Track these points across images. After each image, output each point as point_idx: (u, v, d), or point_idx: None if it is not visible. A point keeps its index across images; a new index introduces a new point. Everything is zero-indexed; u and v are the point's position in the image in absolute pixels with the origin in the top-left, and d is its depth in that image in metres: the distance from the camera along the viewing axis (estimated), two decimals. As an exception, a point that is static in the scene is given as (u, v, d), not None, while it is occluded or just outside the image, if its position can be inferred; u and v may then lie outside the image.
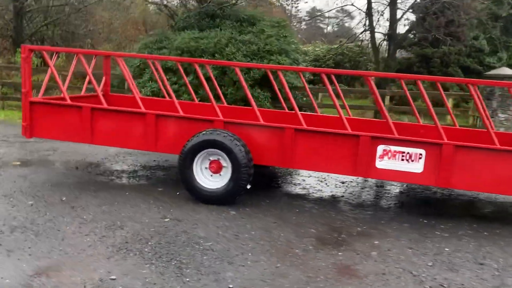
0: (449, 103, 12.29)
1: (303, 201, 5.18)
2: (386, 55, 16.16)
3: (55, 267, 3.24)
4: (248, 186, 4.80)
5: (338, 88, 6.42)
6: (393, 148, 4.66)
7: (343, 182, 6.14)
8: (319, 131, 4.81)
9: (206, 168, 4.89)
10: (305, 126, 4.81)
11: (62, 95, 5.98)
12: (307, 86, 6.03)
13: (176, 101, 5.20)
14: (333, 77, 5.64)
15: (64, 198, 4.74)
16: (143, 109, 5.19)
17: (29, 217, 4.17)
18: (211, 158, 4.85)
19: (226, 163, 4.81)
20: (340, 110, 4.94)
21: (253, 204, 4.90)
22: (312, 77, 15.55)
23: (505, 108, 10.64)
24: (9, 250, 3.49)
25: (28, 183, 5.24)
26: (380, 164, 4.69)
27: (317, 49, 22.70)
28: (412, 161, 4.61)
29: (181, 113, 5.09)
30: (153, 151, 5.28)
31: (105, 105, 5.31)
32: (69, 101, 5.37)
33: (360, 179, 6.28)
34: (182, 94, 9.95)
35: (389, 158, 4.67)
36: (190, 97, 9.44)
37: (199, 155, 4.81)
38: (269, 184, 5.88)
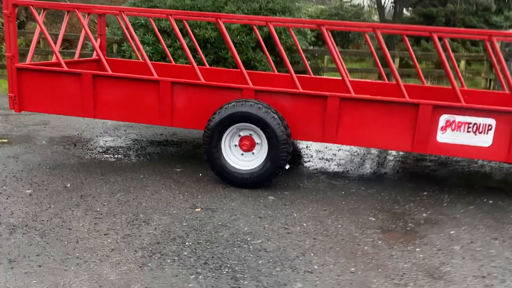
0: (461, 65, 11.70)
1: (345, 180, 4.51)
2: (392, 16, 15.29)
3: (77, 284, 2.51)
4: (287, 166, 4.10)
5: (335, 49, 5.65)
6: (458, 118, 3.97)
7: (378, 156, 5.49)
8: (370, 99, 4.08)
9: (235, 145, 4.15)
10: (353, 94, 4.07)
11: (54, 60, 5.09)
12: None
13: (195, 66, 4.38)
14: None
15: (68, 185, 3.96)
16: (155, 76, 4.36)
17: (30, 211, 3.40)
18: (242, 134, 4.10)
19: (260, 139, 4.07)
20: (397, 75, 4.17)
21: (290, 187, 4.22)
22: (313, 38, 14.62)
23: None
24: (11, 259, 2.74)
25: (22, 166, 4.42)
26: (442, 137, 4.02)
27: (309, 9, 21.60)
28: (480, 133, 3.95)
29: (203, 81, 4.29)
30: (169, 126, 4.50)
31: (109, 72, 4.45)
32: (65, 67, 4.49)
33: (400, 153, 5.64)
34: (178, 59, 9.05)
35: (452, 130, 4.00)
36: (187, 61, 8.62)
37: (228, 130, 4.05)
38: (297, 161, 5.18)
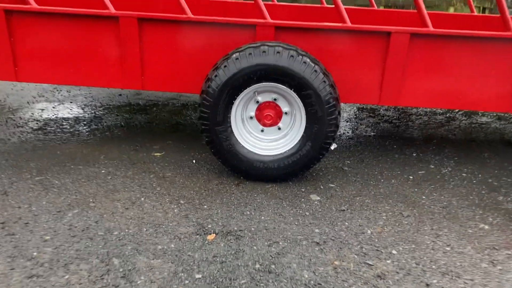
0: (453, -8, 10.38)
1: (408, 156, 3.17)
2: None
3: None
4: (333, 146, 2.68)
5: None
6: None
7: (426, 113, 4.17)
8: (460, 35, 2.65)
9: (251, 118, 2.65)
10: (430, 29, 2.62)
11: None
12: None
13: (175, -10, 2.72)
14: None
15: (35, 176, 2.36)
16: (111, 9, 2.69)
17: None
18: (261, 100, 2.60)
19: (290, 106, 2.59)
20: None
21: (329, 172, 2.83)
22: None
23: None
24: None
25: None
26: (557, 89, 2.72)
27: None
28: None
29: (190, 14, 2.67)
30: (139, 89, 2.91)
31: (34, 5, 2.72)
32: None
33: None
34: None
35: None
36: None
37: (241, 96, 2.52)
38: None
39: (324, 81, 2.43)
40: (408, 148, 3.30)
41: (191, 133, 3.46)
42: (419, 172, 2.90)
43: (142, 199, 2.42)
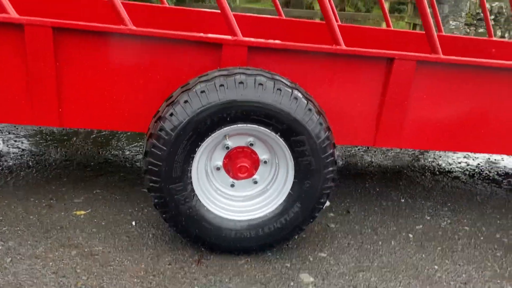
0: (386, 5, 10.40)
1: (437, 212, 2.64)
2: None
3: None
4: (328, 203, 2.06)
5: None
6: None
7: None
8: (470, 64, 2.16)
9: (218, 169, 1.95)
10: (440, 56, 2.10)
11: None
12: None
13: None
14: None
15: None
16: (13, 14, 1.85)
17: None
18: (232, 145, 1.91)
19: (270, 154, 1.94)
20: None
21: (314, 240, 2.21)
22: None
23: (457, 15, 9.06)
24: None
25: None
26: None
27: None
28: None
29: (130, 25, 1.90)
30: (55, 126, 2.07)
31: None
32: None
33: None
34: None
35: None
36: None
37: (208, 140, 1.81)
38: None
39: (320, 123, 1.80)
40: (394, 191, 2.79)
41: (125, 176, 2.66)
42: (417, 227, 2.38)
43: (61, 298, 1.61)
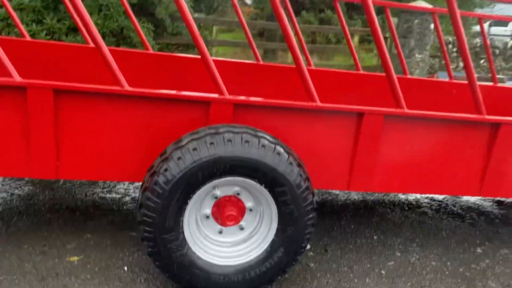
0: (354, 41, 10.90)
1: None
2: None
3: None
4: (308, 246, 2.24)
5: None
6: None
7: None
8: (434, 117, 2.43)
9: (207, 217, 2.11)
10: (405, 110, 2.35)
11: None
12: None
13: (106, 50, 2.08)
14: None
15: None
16: (17, 77, 1.99)
17: None
18: (220, 194, 2.08)
19: (255, 202, 2.12)
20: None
21: (296, 281, 2.38)
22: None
23: (422, 48, 9.59)
24: None
25: None
26: (518, 174, 2.63)
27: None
28: None
29: (126, 87, 2.07)
30: (51, 178, 2.19)
31: None
32: None
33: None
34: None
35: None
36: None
37: (198, 192, 1.98)
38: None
39: (300, 175, 2.00)
40: (367, 228, 3.00)
41: (113, 219, 2.78)
42: (389, 264, 2.59)
43: None
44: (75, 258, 2.32)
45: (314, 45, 11.58)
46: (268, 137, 2.01)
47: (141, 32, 3.65)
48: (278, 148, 1.98)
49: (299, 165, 2.02)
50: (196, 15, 9.50)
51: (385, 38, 10.45)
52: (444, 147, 2.48)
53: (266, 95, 2.44)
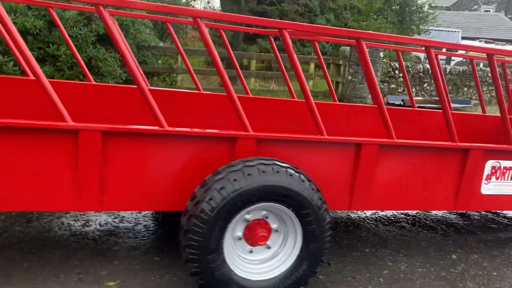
0: (311, 68, 11.58)
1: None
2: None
3: None
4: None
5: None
6: (504, 163, 3.15)
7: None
8: (416, 146, 2.89)
9: (240, 238, 2.41)
10: (395, 140, 2.80)
11: None
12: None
13: (148, 93, 2.36)
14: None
15: None
16: (69, 122, 2.22)
17: None
18: (250, 218, 2.40)
19: (280, 223, 2.45)
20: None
21: None
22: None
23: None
24: None
25: None
26: (486, 188, 3.15)
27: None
28: (527, 180, 3.21)
29: (165, 126, 2.36)
30: (95, 211, 2.41)
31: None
32: None
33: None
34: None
35: (497, 178, 3.16)
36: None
37: (237, 217, 2.29)
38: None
39: (320, 198, 2.37)
40: (359, 242, 3.40)
41: (134, 247, 2.99)
42: (384, 272, 2.99)
43: None
44: (112, 283, 2.53)
45: (272, 72, 12.15)
46: (292, 167, 2.36)
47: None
48: (302, 176, 2.34)
49: (318, 190, 2.39)
50: (161, 43, 9.76)
51: (339, 66, 11.25)
52: (425, 169, 2.95)
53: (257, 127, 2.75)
